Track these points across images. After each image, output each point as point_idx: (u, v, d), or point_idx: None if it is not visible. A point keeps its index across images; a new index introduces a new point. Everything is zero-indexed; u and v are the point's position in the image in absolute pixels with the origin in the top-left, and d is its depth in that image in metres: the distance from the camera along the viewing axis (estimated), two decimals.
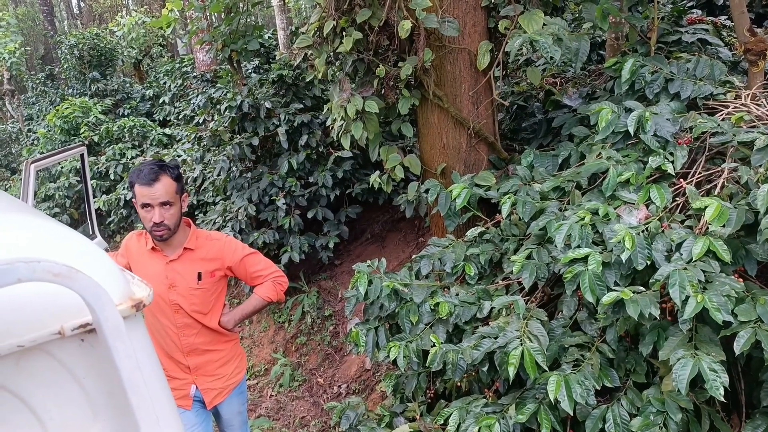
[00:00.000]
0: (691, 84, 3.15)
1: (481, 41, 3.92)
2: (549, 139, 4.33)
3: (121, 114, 12.83)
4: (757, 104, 3.00)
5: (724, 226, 2.38)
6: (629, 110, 3.07)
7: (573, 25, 5.41)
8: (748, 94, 3.09)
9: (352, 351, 3.84)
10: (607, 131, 3.07)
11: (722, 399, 2.15)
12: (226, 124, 6.03)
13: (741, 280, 2.39)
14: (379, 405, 3.68)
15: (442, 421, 2.92)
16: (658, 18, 3.48)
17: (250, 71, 8.01)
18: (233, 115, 5.84)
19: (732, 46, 3.89)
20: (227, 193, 6.28)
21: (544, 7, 3.78)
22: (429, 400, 3.47)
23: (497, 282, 3.37)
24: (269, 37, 8.96)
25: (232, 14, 5.88)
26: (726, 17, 4.22)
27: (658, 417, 2.43)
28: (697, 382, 2.23)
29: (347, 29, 3.95)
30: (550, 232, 2.91)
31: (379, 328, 3.43)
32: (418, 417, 3.25)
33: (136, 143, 10.54)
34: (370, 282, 3.35)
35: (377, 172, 4.50)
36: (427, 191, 3.98)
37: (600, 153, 3.15)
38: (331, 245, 5.75)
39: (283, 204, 5.62)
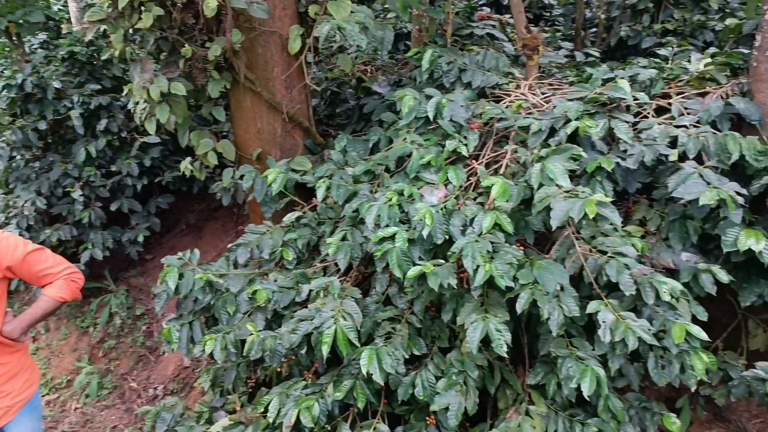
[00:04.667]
0: (481, 74, 3.49)
1: (292, 25, 3.90)
2: (362, 125, 4.48)
3: None
4: (533, 93, 3.43)
5: (507, 201, 2.68)
6: (429, 97, 3.29)
7: (383, 15, 5.64)
8: (526, 84, 3.51)
9: (166, 350, 3.60)
10: (410, 117, 3.27)
11: (505, 355, 2.43)
12: (5, 107, 5.21)
13: (522, 248, 2.72)
14: (198, 402, 3.52)
15: (262, 409, 2.89)
16: (452, 13, 3.78)
17: (36, 47, 7.00)
18: (13, 95, 5.07)
19: (514, 42, 4.38)
20: (10, 186, 5.45)
21: None
22: (251, 390, 3.41)
23: (315, 265, 3.42)
24: (59, 9, 7.91)
25: None
26: (510, 15, 4.72)
27: (460, 376, 2.67)
28: (488, 342, 2.49)
29: (146, 4, 3.63)
30: (362, 214, 3.01)
31: (193, 322, 3.27)
32: (238, 408, 3.17)
33: None
34: (181, 276, 3.17)
35: (188, 159, 4.26)
36: (242, 177, 3.88)
37: (405, 137, 3.34)
38: (140, 239, 5.31)
39: (81, 196, 5.03)
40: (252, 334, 2.90)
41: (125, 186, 5.29)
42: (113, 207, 5.29)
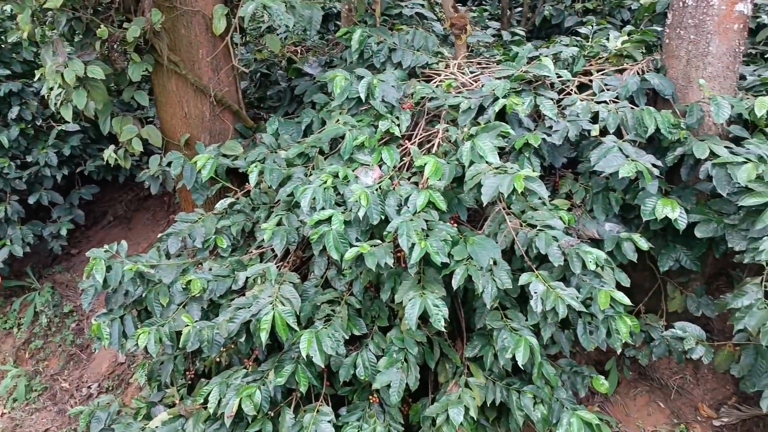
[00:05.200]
0: (411, 54, 3.50)
1: (216, 4, 3.75)
2: (294, 107, 4.40)
3: None
4: (462, 72, 3.47)
5: (440, 179, 2.72)
6: (360, 78, 3.27)
7: None
8: (455, 64, 3.55)
9: (97, 347, 3.45)
10: (342, 98, 3.24)
11: (443, 329, 2.48)
12: None
13: (455, 224, 2.77)
14: (135, 398, 3.42)
15: (202, 401, 2.84)
16: None
17: None
18: None
19: (443, 21, 4.40)
20: None
21: None
22: (190, 382, 3.33)
23: (251, 251, 3.36)
24: None
25: None
26: None
27: (400, 353, 2.71)
28: (427, 318, 2.54)
29: None
30: (296, 197, 2.97)
31: (125, 316, 3.16)
32: (177, 401, 3.10)
33: None
34: (108, 268, 3.04)
35: (112, 147, 4.06)
36: (170, 164, 3.74)
37: (338, 119, 3.31)
38: (63, 233, 5.05)
39: None
40: (188, 325, 2.83)
41: (44, 177, 4.99)
42: (31, 200, 4.99)
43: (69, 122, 4.18)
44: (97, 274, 2.98)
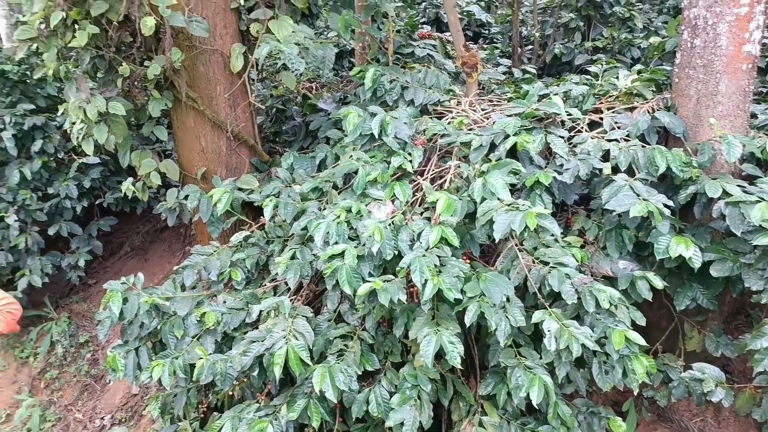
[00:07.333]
0: (423, 92, 3.57)
1: (233, 43, 3.88)
2: (309, 142, 4.49)
3: None
4: (474, 109, 3.53)
5: (452, 215, 2.74)
6: (373, 115, 3.34)
7: (326, 32, 5.68)
8: (466, 101, 3.61)
9: (111, 378, 3.46)
10: (355, 134, 3.30)
11: (459, 366, 2.48)
12: None
13: (468, 261, 2.79)
14: (148, 430, 3.41)
15: None
16: (393, 32, 3.85)
17: None
18: None
19: (454, 59, 4.50)
20: None
21: (293, 14, 3.89)
22: (202, 416, 3.34)
23: (265, 284, 3.39)
24: None
25: None
26: (450, 33, 4.86)
27: (413, 390, 2.70)
28: (441, 355, 2.54)
29: (81, 22, 3.54)
30: (310, 231, 3.01)
31: (140, 348, 3.18)
32: None
33: None
34: (125, 300, 3.08)
35: (130, 179, 4.16)
36: (186, 197, 3.81)
37: (351, 154, 3.37)
38: (81, 263, 5.12)
39: (15, 221, 4.82)
40: (201, 357, 2.85)
41: (64, 209, 5.09)
42: (51, 231, 5.09)
43: (90, 155, 4.30)
44: (113, 306, 3.02)
